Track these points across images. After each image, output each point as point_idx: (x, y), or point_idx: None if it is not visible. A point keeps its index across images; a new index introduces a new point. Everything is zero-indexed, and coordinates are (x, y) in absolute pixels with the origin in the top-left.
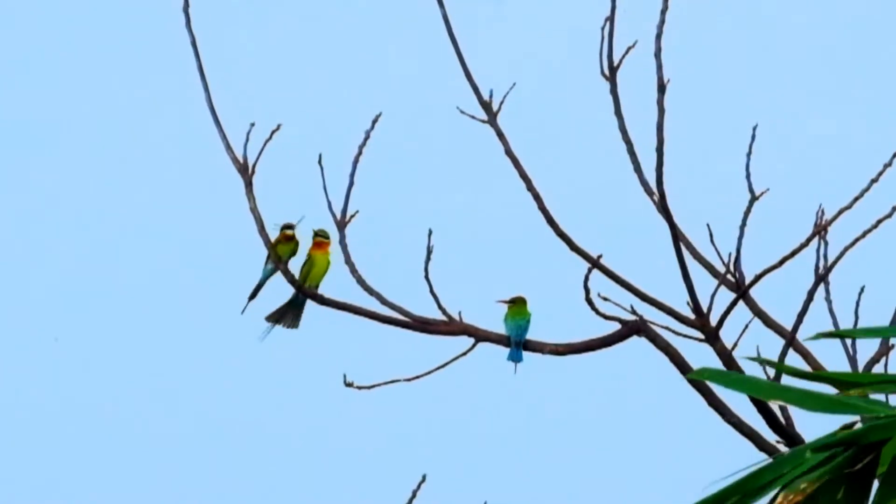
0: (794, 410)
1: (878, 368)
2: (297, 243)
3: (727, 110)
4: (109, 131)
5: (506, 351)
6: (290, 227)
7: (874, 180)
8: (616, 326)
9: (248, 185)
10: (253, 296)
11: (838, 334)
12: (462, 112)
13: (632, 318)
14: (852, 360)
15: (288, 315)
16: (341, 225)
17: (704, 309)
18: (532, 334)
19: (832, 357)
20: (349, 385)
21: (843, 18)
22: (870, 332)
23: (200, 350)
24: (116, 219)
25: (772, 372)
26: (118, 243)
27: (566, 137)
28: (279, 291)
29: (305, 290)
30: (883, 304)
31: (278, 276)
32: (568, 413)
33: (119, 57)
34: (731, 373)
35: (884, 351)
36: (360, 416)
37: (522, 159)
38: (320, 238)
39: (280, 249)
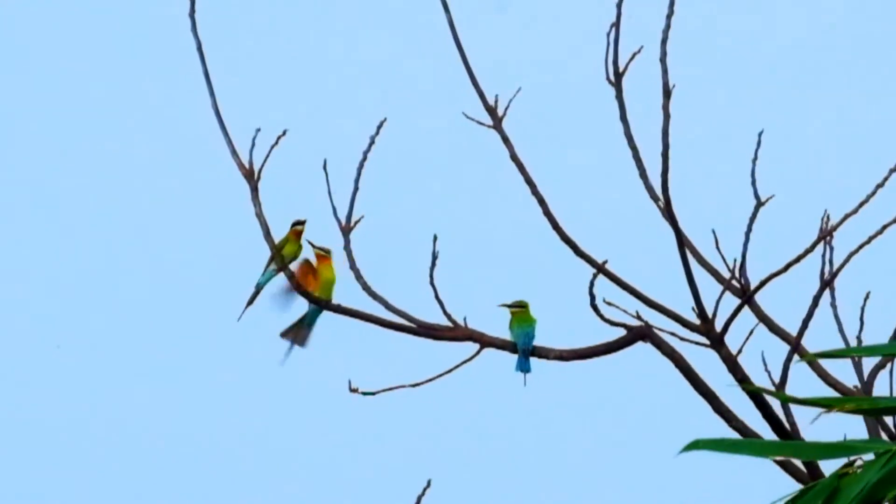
0: (798, 415)
1: (883, 375)
2: (301, 246)
3: (733, 115)
4: (115, 136)
5: (512, 357)
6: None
7: (880, 185)
8: (621, 332)
9: (254, 190)
10: (251, 302)
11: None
12: (467, 117)
13: (637, 323)
14: (857, 365)
15: (301, 333)
16: (346, 230)
17: (709, 314)
18: (537, 340)
19: (837, 362)
20: (354, 391)
21: (849, 24)
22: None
23: (204, 356)
24: (120, 224)
25: (777, 377)
26: (122, 249)
27: (571, 142)
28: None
29: (313, 298)
30: (888, 310)
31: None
32: (573, 418)
33: (125, 61)
34: (726, 439)
35: (889, 357)
36: (364, 422)
37: (527, 164)
38: (321, 253)
39: (287, 250)
